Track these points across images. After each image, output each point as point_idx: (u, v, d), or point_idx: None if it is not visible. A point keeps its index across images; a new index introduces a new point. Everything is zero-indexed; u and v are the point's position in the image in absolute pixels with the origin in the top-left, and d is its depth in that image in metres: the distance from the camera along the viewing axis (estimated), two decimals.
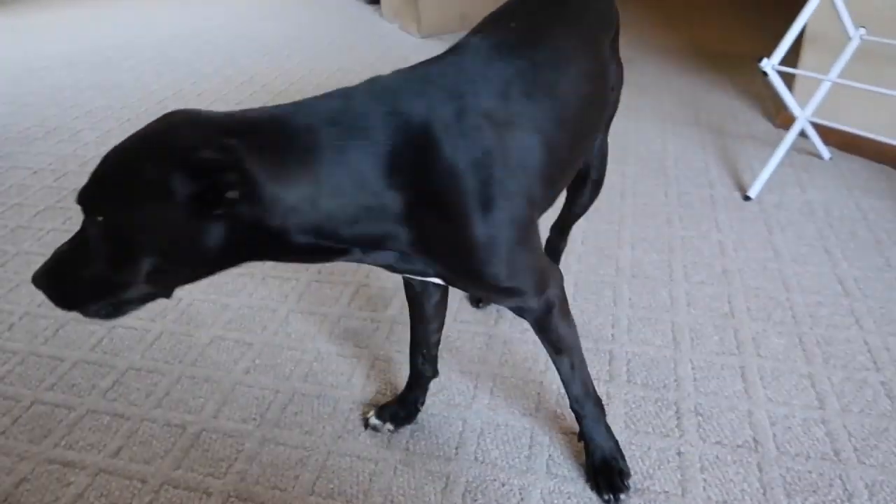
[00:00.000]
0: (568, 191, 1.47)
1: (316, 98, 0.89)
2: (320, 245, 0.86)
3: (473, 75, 0.95)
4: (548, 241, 1.62)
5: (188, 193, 0.76)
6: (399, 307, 1.68)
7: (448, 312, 1.66)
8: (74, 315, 1.69)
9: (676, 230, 1.96)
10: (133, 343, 1.63)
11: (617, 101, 1.40)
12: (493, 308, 1.68)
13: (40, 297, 1.80)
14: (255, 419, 1.40)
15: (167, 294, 0.90)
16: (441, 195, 0.89)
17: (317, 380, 1.50)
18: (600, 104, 1.25)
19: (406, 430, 1.36)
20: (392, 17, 4.29)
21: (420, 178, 0.87)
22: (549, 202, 1.13)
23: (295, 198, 0.81)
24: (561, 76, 1.06)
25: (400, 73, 0.95)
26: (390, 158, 0.85)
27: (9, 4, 5.32)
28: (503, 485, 1.23)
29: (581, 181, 1.43)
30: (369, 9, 4.69)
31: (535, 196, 0.98)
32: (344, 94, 0.89)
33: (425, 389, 1.38)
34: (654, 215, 2.04)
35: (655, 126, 2.63)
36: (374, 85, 0.92)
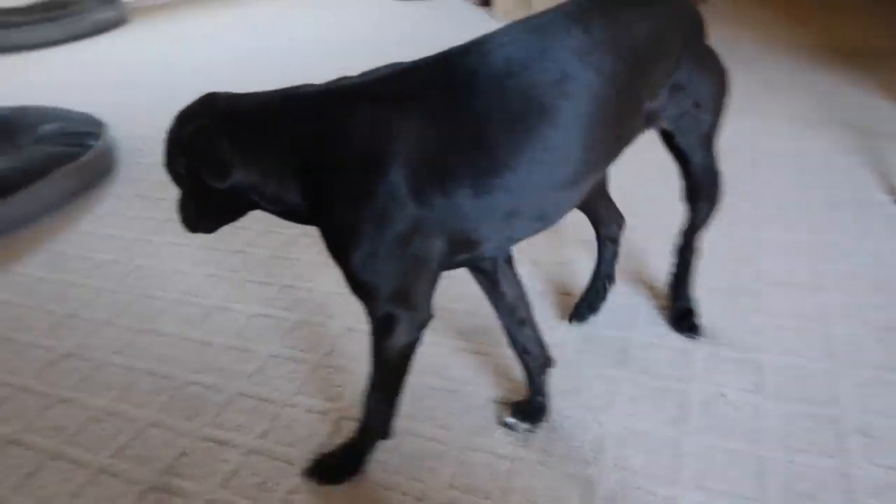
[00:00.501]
0: (686, 204, 1.46)
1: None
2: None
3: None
4: (677, 251, 1.55)
5: (184, 168, 1.07)
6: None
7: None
8: (218, 303, 1.78)
9: (823, 236, 1.84)
10: (272, 331, 1.70)
11: (713, 113, 1.32)
12: (626, 311, 1.64)
13: (189, 283, 1.93)
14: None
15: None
16: None
17: (448, 375, 1.51)
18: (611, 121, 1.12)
19: (543, 428, 1.35)
20: (503, 17, 4.29)
21: None
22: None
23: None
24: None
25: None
26: None
27: (145, 16, 5.72)
28: (648, 493, 1.20)
29: (693, 195, 1.43)
30: (480, 11, 4.71)
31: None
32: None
33: (540, 381, 1.37)
34: (797, 220, 1.93)
35: (788, 126, 2.49)
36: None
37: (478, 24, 4.39)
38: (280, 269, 1.96)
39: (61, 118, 2.84)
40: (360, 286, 1.10)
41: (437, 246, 1.06)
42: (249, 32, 4.79)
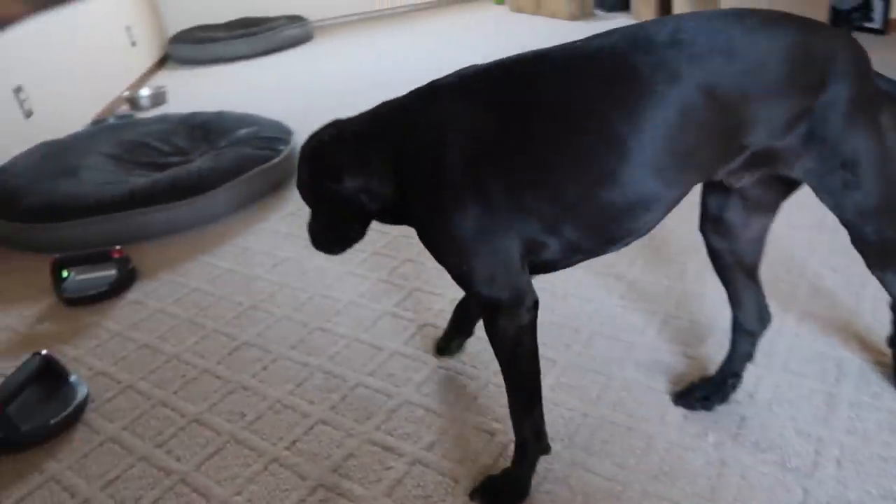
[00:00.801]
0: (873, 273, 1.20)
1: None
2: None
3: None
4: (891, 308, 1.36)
5: (307, 176, 1.22)
6: (715, 346, 1.53)
7: (777, 360, 1.48)
8: (390, 309, 1.79)
9: None
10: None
11: (874, 183, 1.05)
12: (830, 363, 1.45)
13: (363, 287, 1.97)
14: (563, 440, 1.35)
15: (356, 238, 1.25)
16: None
17: (626, 410, 1.41)
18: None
19: (732, 484, 1.21)
20: None
21: None
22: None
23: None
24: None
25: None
26: None
27: (326, 34, 6.10)
28: None
29: (871, 265, 1.17)
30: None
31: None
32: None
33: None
34: None
35: None
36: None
37: None
38: (450, 281, 1.95)
39: (254, 124, 3.06)
40: (453, 276, 1.16)
41: (512, 239, 1.07)
42: (421, 50, 4.94)
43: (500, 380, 1.52)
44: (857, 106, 1.01)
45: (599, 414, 1.40)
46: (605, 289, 1.82)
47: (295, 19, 5.78)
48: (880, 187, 1.06)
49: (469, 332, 1.63)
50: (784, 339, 1.54)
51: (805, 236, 1.90)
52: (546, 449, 1.24)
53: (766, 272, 1.77)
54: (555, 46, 1.05)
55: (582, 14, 5.21)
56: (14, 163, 2.74)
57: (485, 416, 1.44)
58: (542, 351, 1.59)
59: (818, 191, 1.08)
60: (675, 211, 1.10)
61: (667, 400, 1.42)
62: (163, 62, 5.63)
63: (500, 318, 1.12)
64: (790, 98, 0.99)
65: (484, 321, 1.16)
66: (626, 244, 1.12)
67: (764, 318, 1.34)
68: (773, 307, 1.63)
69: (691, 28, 0.97)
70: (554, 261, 1.12)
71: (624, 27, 1.03)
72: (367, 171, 1.13)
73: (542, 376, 1.52)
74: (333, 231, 1.25)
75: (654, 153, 0.98)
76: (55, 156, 2.81)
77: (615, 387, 1.47)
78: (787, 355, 1.49)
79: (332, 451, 1.40)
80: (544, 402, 1.46)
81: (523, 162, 1.02)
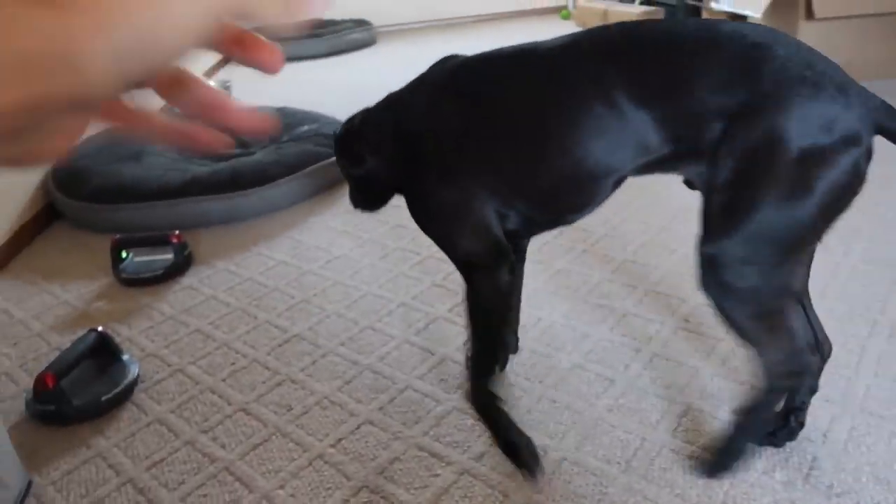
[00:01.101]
0: None
1: None
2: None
3: None
4: None
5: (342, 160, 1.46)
6: None
7: (854, 400, 1.39)
8: (443, 314, 1.75)
9: None
10: None
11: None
12: None
13: (416, 289, 1.94)
14: (619, 463, 1.29)
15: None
16: None
17: (688, 438, 1.33)
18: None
19: None
20: None
21: None
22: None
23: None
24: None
25: None
26: None
27: (389, 39, 6.15)
28: None
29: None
30: None
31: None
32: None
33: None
34: None
35: None
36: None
37: None
38: None
39: (315, 121, 3.07)
40: (439, 246, 1.31)
41: (483, 206, 1.21)
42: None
43: (555, 394, 1.48)
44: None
45: (659, 440, 1.33)
46: (669, 310, 1.75)
47: (361, 23, 5.84)
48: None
49: (513, 349, 1.62)
50: (862, 378, 1.44)
51: (884, 273, 1.80)
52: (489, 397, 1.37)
53: (841, 308, 1.68)
54: (528, 45, 1.20)
55: None
56: (84, 144, 2.81)
57: (536, 430, 1.38)
58: (599, 370, 1.54)
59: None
60: None
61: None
62: (229, 57, 5.74)
63: (477, 277, 1.27)
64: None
65: (465, 281, 1.30)
66: (582, 216, 1.25)
67: (822, 349, 1.26)
68: (851, 344, 1.54)
69: (626, 32, 1.07)
70: (517, 230, 1.26)
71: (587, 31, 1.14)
72: (379, 154, 1.33)
73: (598, 396, 1.47)
74: (363, 195, 1.46)
75: (584, 144, 1.08)
76: (122, 140, 2.87)
77: (676, 413, 1.40)
78: (865, 395, 1.40)
79: (378, 452, 1.37)
80: (600, 422, 1.40)
81: (481, 147, 1.18)
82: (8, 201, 2.41)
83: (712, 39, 0.99)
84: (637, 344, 1.63)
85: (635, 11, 5.14)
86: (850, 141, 0.93)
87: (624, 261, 2.01)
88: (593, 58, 1.07)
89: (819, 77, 0.93)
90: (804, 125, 0.93)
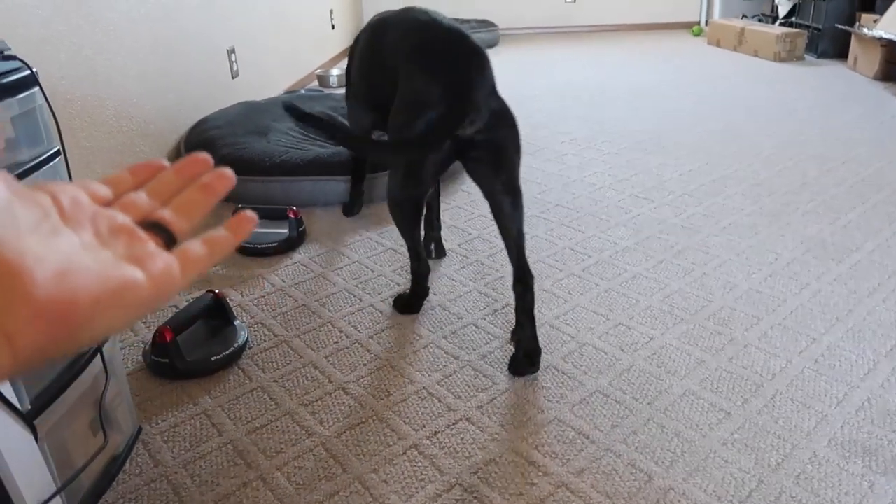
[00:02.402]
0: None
1: None
2: None
3: None
4: None
5: None
6: None
7: None
8: (549, 319, 1.66)
9: None
10: (603, 367, 1.57)
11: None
12: None
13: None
14: (731, 501, 1.19)
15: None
16: None
17: (812, 488, 1.22)
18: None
19: None
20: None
21: None
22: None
23: None
24: None
25: None
26: None
27: (512, 41, 6.12)
28: None
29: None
30: (878, 86, 4.11)
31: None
32: None
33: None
34: None
35: None
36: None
37: (874, 99, 3.82)
38: (617, 305, 1.82)
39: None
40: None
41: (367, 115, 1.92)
42: (601, 68, 4.81)
43: (664, 419, 1.39)
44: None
45: (778, 483, 1.22)
46: (796, 347, 1.61)
47: (485, 23, 5.84)
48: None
49: (435, 253, 2.12)
50: None
51: None
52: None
53: None
54: (418, 16, 1.59)
55: (790, 56, 4.84)
56: (217, 116, 2.94)
57: (643, 453, 1.30)
58: (714, 399, 1.44)
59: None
60: None
61: (866, 486, 1.21)
62: None
63: (389, 188, 1.67)
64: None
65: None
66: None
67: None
68: None
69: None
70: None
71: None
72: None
73: (712, 428, 1.37)
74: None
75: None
76: (251, 115, 2.99)
77: (800, 458, 1.28)
78: None
79: (474, 451, 1.33)
80: (712, 455, 1.31)
81: (365, 81, 1.86)
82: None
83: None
84: (759, 378, 1.51)
85: (775, 32, 4.86)
86: None
87: (749, 289, 1.88)
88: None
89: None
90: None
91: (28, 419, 0.97)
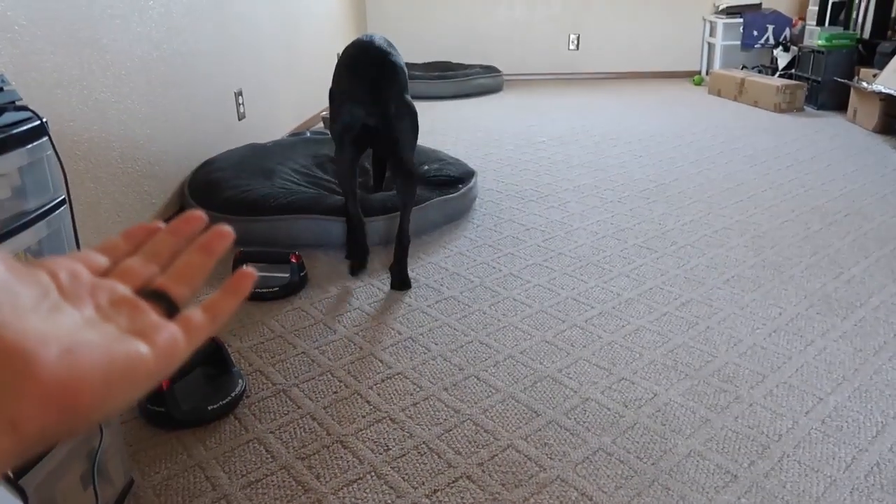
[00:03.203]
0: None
1: None
2: None
3: None
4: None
5: None
6: None
7: None
8: (552, 374, 1.66)
9: None
10: (606, 423, 1.54)
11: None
12: None
13: (526, 343, 1.88)
14: None
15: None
16: None
17: None
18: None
19: None
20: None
21: None
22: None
23: None
24: None
25: None
26: None
27: (516, 87, 6.20)
28: None
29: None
30: (878, 139, 4.14)
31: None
32: None
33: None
34: None
35: None
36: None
37: (874, 151, 3.85)
38: (621, 358, 1.80)
39: (441, 160, 3.10)
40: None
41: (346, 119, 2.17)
42: (605, 115, 4.86)
43: (669, 481, 1.36)
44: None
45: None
46: (803, 407, 1.59)
47: (489, 69, 5.93)
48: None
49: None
50: None
51: None
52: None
53: None
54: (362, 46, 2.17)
55: (790, 108, 4.90)
56: (222, 158, 2.96)
57: None
58: (720, 461, 1.41)
59: None
60: None
61: None
62: None
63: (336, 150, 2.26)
64: None
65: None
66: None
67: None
68: None
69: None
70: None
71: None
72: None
73: (718, 491, 1.34)
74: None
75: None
76: (257, 157, 3.01)
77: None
78: None
79: None
80: None
81: (340, 86, 2.19)
82: (147, 204, 2.56)
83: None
84: (765, 440, 1.48)
85: (775, 84, 4.93)
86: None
87: (753, 345, 1.86)
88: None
89: None
90: None
91: (14, 481, 0.95)
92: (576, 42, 6.49)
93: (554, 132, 4.42)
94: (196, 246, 0.37)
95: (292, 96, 4.28)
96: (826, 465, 1.40)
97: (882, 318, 2.00)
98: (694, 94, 5.74)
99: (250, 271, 0.36)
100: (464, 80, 5.63)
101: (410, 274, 2.32)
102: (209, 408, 1.54)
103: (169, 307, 0.34)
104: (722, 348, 1.85)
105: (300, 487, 1.36)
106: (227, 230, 0.38)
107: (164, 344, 0.31)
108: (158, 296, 0.34)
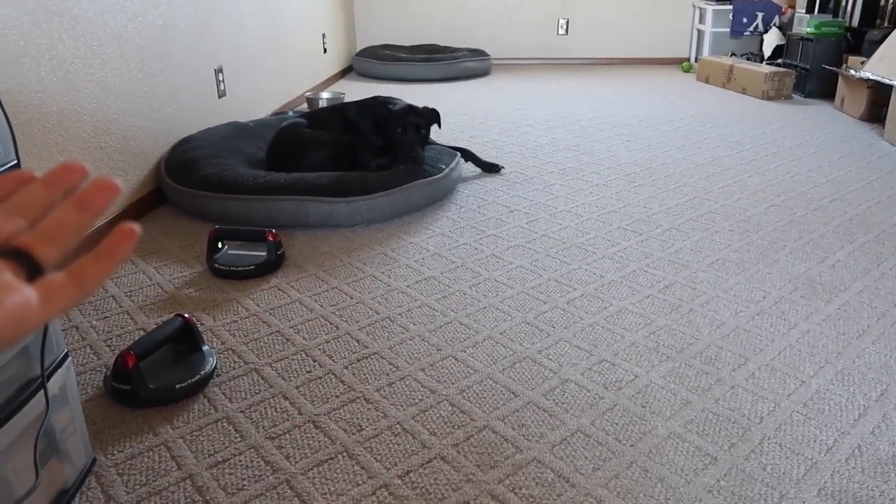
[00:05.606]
0: None
1: None
2: None
3: None
4: None
5: None
6: None
7: None
8: (532, 355, 1.62)
9: None
10: (585, 405, 1.51)
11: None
12: None
13: (506, 324, 1.84)
14: None
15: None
16: None
17: None
18: None
19: None
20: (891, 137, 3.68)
21: None
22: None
23: None
24: None
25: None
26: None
27: (503, 71, 6.14)
28: None
29: None
30: (865, 127, 4.13)
31: None
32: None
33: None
34: None
35: None
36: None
37: (860, 139, 3.84)
38: (602, 340, 1.77)
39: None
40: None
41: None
42: (591, 100, 4.82)
43: (647, 463, 1.33)
44: None
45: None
46: (784, 390, 1.56)
47: (477, 53, 5.86)
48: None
49: None
50: None
51: None
52: None
53: None
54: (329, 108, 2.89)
55: (778, 95, 4.88)
56: (201, 135, 2.89)
57: (625, 499, 1.24)
58: (700, 443, 1.38)
59: None
60: None
61: None
62: (346, 72, 5.90)
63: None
64: None
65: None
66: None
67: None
68: None
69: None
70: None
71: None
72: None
73: (697, 473, 1.31)
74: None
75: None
76: (237, 136, 2.94)
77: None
78: None
79: (448, 493, 1.26)
80: (697, 503, 1.25)
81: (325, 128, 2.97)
82: (122, 180, 2.49)
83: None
84: (746, 422, 1.45)
85: (763, 71, 4.91)
86: None
87: (736, 328, 1.84)
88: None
89: None
90: None
91: None
92: (565, 27, 6.43)
93: (541, 116, 4.38)
94: (72, 200, 0.31)
95: (275, 76, 4.20)
96: (807, 448, 1.38)
97: (866, 302, 1.98)
98: (683, 81, 5.71)
99: (131, 227, 0.31)
100: (451, 63, 5.56)
101: (391, 254, 2.27)
102: (177, 386, 1.49)
103: (30, 268, 0.29)
104: (704, 331, 1.82)
105: (269, 467, 1.32)
106: (112, 182, 0.32)
107: (12, 309, 0.26)
108: (19, 254, 0.29)
